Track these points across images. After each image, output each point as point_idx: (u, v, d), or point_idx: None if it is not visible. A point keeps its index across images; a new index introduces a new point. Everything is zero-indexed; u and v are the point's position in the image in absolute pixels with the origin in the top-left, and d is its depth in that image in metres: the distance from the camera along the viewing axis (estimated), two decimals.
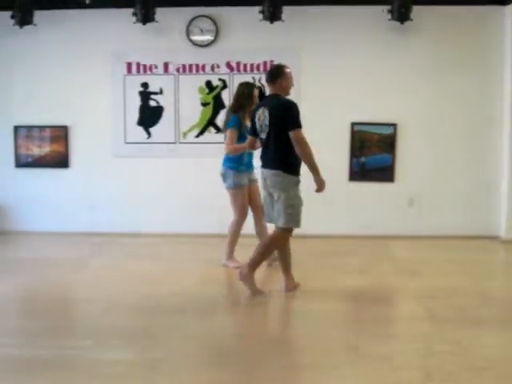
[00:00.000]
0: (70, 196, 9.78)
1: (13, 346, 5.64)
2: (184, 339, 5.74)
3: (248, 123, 7.22)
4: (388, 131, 9.41)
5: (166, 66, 9.44)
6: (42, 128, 9.76)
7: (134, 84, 9.51)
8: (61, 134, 9.70)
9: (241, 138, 7.46)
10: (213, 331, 5.93)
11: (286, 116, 6.53)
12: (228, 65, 9.36)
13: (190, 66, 9.40)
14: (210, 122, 9.51)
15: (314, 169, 6.55)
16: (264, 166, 6.76)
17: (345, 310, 6.67)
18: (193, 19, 9.35)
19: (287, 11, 8.95)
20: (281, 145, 6.57)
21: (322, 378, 4.90)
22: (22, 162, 9.84)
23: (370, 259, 8.44)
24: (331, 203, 9.37)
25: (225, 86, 9.44)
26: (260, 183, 6.98)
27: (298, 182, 6.64)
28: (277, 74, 6.76)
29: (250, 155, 7.71)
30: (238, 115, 7.54)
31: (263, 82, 9.28)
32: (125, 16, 9.14)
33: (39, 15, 9.29)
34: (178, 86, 9.46)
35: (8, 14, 9.21)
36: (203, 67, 9.42)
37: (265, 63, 9.32)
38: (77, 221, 9.77)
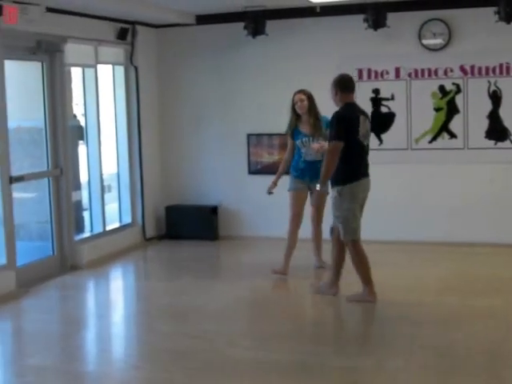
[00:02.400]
0: None
1: (251, 348, 6.13)
2: (424, 349, 5.94)
3: (303, 129, 8.19)
4: None
5: (397, 71, 9.65)
6: (270, 136, 10.30)
7: (365, 90, 9.79)
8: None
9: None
10: (454, 342, 6.08)
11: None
12: (462, 68, 9.41)
13: (422, 70, 9.55)
14: (444, 128, 9.61)
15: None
16: (367, 173, 7.33)
17: None
18: (425, 23, 9.49)
19: None
20: None
21: None
22: (254, 169, 10.43)
23: None
24: None
25: (459, 91, 9.50)
26: (358, 195, 7.24)
27: None
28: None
29: (310, 163, 8.19)
30: (289, 123, 8.36)
31: (499, 85, 9.30)
32: (356, 22, 9.44)
33: (271, 25, 9.81)
34: (410, 91, 9.66)
35: (241, 25, 9.83)
36: (436, 71, 9.53)
37: (501, 66, 9.27)
38: (310, 227, 10.16)
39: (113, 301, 8.24)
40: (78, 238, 9.24)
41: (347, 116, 7.14)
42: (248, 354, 6.00)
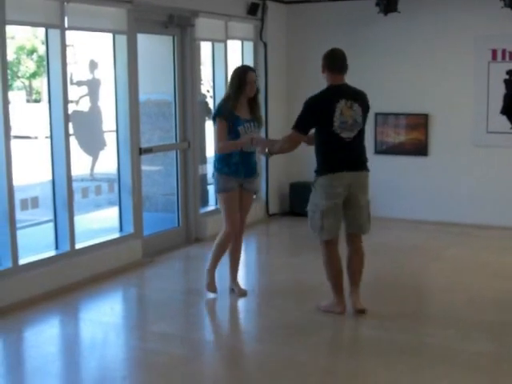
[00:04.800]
0: (428, 184, 10.14)
1: (374, 327, 6.16)
2: None
3: (242, 115, 6.72)
4: None
5: None
6: (400, 116, 10.23)
7: (499, 71, 9.57)
8: (421, 121, 10.08)
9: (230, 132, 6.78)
10: None
11: (368, 108, 6.50)
12: None
13: None
14: None
15: None
16: (351, 168, 6.24)
17: None
18: None
19: None
20: (364, 143, 6.46)
21: None
22: (381, 149, 10.38)
23: None
24: None
25: None
26: (334, 191, 6.24)
27: None
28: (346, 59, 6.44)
29: (248, 156, 6.85)
30: (225, 104, 6.78)
31: None
32: (491, 1, 9.26)
33: (403, 2, 9.70)
34: None
35: (372, 2, 9.77)
36: None
37: None
38: (434, 209, 10.12)
39: None
40: (202, 211, 9.45)
41: (317, 102, 6.31)
42: (371, 333, 6.05)
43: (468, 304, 6.74)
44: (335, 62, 6.33)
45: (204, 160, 9.97)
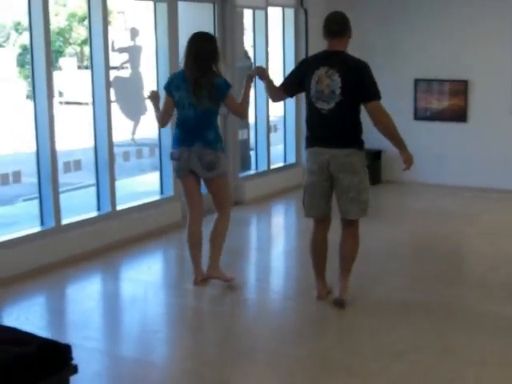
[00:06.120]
0: (466, 150, 10.18)
1: (398, 289, 6.31)
2: None
3: None
4: None
5: None
6: (440, 82, 10.24)
7: None
8: (461, 88, 10.09)
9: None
10: None
11: (364, 82, 5.56)
12: None
13: None
14: None
15: (401, 143, 5.75)
16: (327, 144, 5.64)
17: None
18: None
19: None
20: (354, 118, 5.64)
21: None
22: (420, 115, 10.44)
23: None
24: None
25: None
26: (311, 167, 5.81)
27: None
28: (347, 23, 5.72)
29: None
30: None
31: None
32: None
33: None
34: None
35: None
36: None
37: None
38: (472, 175, 10.16)
39: (272, 236, 8.60)
40: (243, 175, 9.65)
41: (302, 63, 6.03)
42: (398, 293, 6.19)
43: (499, 268, 6.82)
44: (324, 26, 5.74)
45: (245, 125, 10.12)
